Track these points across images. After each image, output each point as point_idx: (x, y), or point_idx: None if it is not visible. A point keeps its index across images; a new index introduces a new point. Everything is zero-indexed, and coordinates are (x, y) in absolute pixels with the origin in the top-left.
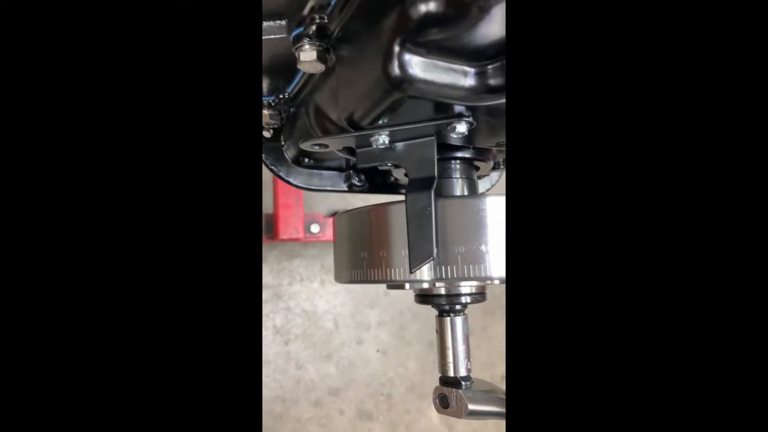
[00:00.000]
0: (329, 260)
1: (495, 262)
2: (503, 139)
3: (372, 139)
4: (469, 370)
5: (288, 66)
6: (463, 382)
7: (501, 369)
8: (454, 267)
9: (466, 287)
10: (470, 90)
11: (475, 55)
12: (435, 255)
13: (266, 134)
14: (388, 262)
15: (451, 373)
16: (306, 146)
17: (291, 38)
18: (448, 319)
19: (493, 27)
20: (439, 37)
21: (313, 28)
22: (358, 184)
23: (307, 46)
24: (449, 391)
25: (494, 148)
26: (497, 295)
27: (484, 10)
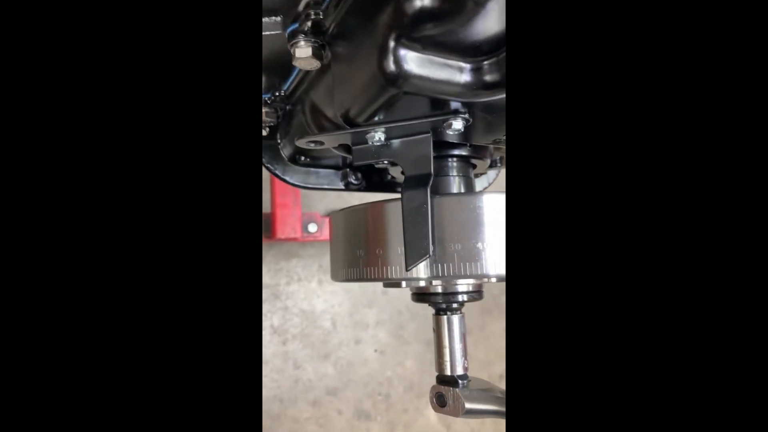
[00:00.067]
0: (327, 260)
1: (491, 259)
2: (500, 136)
3: (368, 136)
4: (466, 369)
5: (284, 63)
6: (460, 381)
7: (499, 368)
8: (451, 265)
9: (463, 285)
10: (466, 86)
11: (471, 51)
12: (431, 253)
13: (263, 132)
14: (384, 260)
15: (448, 372)
16: (301, 143)
17: (286, 34)
18: (445, 317)
19: (489, 22)
20: (435, 32)
21: (309, 24)
22: (355, 182)
23: (302, 43)
24: (446, 390)
25: (491, 146)
26: (495, 293)
27: (480, 5)
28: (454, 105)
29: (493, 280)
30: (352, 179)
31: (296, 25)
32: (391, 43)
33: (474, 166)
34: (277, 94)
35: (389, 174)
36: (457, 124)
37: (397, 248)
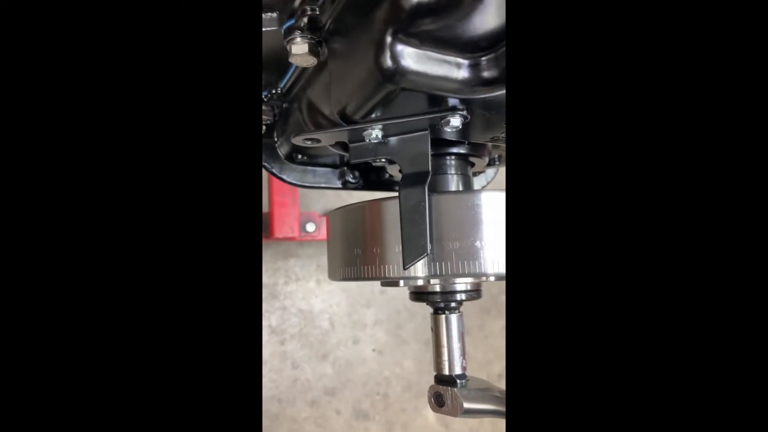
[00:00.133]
0: (325, 259)
1: (490, 258)
2: (498, 134)
3: (365, 133)
4: (464, 368)
5: (280, 60)
6: (458, 381)
7: (497, 367)
8: (449, 263)
9: (461, 284)
10: (464, 82)
11: (469, 47)
12: (429, 251)
13: None
14: (381, 259)
15: (447, 372)
16: (298, 141)
17: (282, 31)
18: (443, 316)
19: (487, 17)
20: (432, 27)
21: (305, 20)
22: (353, 181)
23: (298, 39)
24: (444, 390)
25: (489, 144)
26: (493, 292)
27: (478, 0)
28: (452, 102)
29: (492, 278)
30: (349, 178)
31: (292, 21)
32: (388, 39)
33: (472, 164)
34: (273, 91)
35: (387, 172)
36: (455, 121)
37: (394, 247)
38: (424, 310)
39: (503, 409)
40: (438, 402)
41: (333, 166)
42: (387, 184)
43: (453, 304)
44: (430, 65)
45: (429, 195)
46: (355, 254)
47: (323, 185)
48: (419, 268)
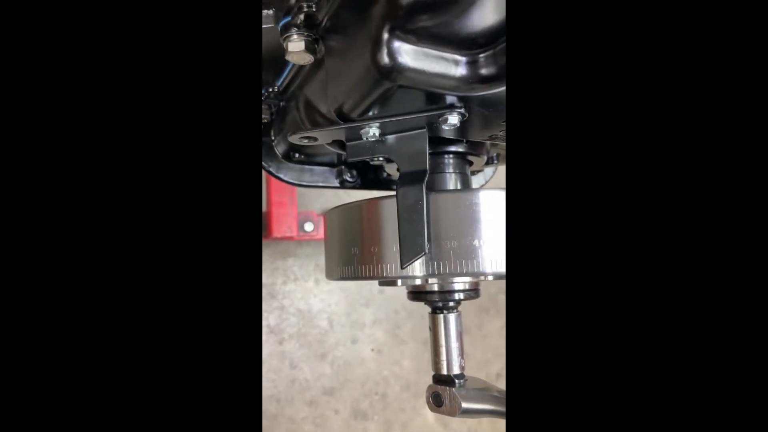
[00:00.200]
0: (323, 259)
1: (488, 257)
2: (497, 132)
3: (362, 131)
4: (462, 368)
5: (276, 58)
6: (456, 381)
7: (496, 367)
8: (447, 262)
9: (459, 283)
10: (462, 79)
11: (467, 43)
12: (427, 250)
13: None
14: (379, 258)
15: (445, 371)
16: (294, 139)
17: (278, 28)
18: (441, 316)
19: (485, 13)
20: (430, 23)
21: (301, 17)
22: (350, 179)
23: (295, 36)
24: (442, 390)
25: (487, 142)
26: (492, 292)
27: None
28: (450, 99)
29: (490, 278)
30: (347, 177)
31: (289, 18)
32: (385, 36)
33: (470, 163)
34: (270, 89)
35: (385, 171)
36: (453, 119)
37: (392, 246)
38: (423, 309)
39: (502, 408)
40: (436, 402)
41: (330, 164)
42: (385, 183)
43: (451, 304)
44: (428, 62)
45: (427, 194)
46: (353, 253)
47: (321, 184)
48: (417, 268)
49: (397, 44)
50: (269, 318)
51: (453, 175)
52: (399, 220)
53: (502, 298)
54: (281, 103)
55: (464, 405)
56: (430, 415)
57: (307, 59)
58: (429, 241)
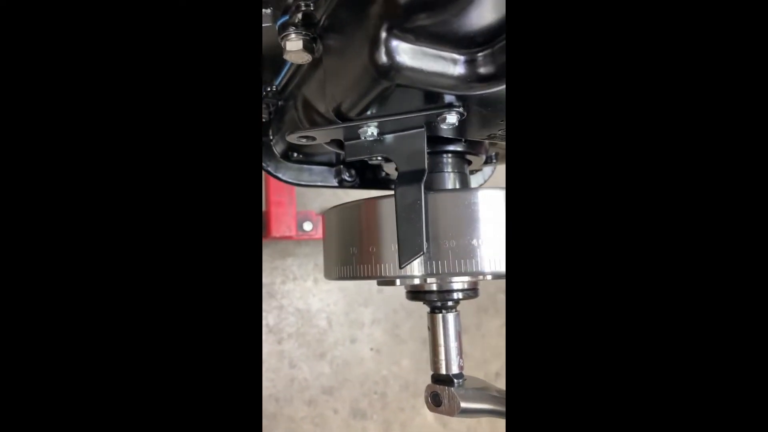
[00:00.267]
0: (322, 258)
1: (487, 256)
2: (495, 131)
3: (360, 131)
4: (461, 368)
5: (275, 57)
6: (455, 380)
7: (495, 366)
8: (445, 262)
9: (458, 283)
10: (460, 78)
11: (465, 42)
12: (425, 250)
13: None
14: (377, 258)
15: (443, 371)
16: (292, 139)
17: (276, 27)
18: (440, 315)
19: (484, 12)
20: (428, 22)
21: (299, 16)
22: (349, 179)
23: (293, 35)
24: (441, 389)
25: (486, 141)
26: (491, 291)
27: None
28: (448, 98)
29: (489, 277)
30: (345, 176)
31: (286, 17)
32: (383, 34)
33: (469, 162)
34: (268, 89)
35: (383, 170)
36: (452, 118)
37: (390, 245)
38: (422, 309)
39: (501, 408)
40: (435, 401)
41: (329, 164)
42: (383, 183)
43: (450, 303)
44: (426, 61)
45: (425, 193)
46: (351, 253)
47: (319, 184)
48: (415, 267)
49: (395, 43)
50: (268, 317)
51: (451, 175)
52: (397, 219)
53: (501, 297)
54: (279, 103)
55: (463, 405)
56: (429, 415)
57: (305, 58)
58: (427, 240)
